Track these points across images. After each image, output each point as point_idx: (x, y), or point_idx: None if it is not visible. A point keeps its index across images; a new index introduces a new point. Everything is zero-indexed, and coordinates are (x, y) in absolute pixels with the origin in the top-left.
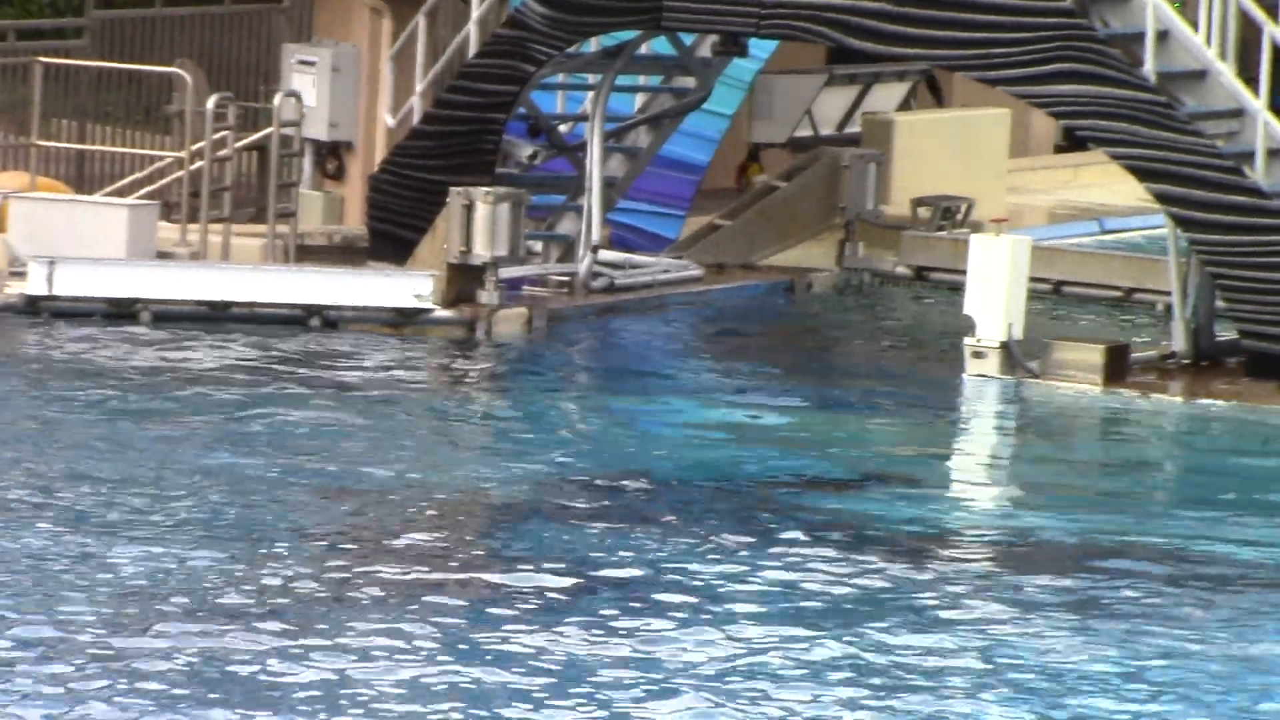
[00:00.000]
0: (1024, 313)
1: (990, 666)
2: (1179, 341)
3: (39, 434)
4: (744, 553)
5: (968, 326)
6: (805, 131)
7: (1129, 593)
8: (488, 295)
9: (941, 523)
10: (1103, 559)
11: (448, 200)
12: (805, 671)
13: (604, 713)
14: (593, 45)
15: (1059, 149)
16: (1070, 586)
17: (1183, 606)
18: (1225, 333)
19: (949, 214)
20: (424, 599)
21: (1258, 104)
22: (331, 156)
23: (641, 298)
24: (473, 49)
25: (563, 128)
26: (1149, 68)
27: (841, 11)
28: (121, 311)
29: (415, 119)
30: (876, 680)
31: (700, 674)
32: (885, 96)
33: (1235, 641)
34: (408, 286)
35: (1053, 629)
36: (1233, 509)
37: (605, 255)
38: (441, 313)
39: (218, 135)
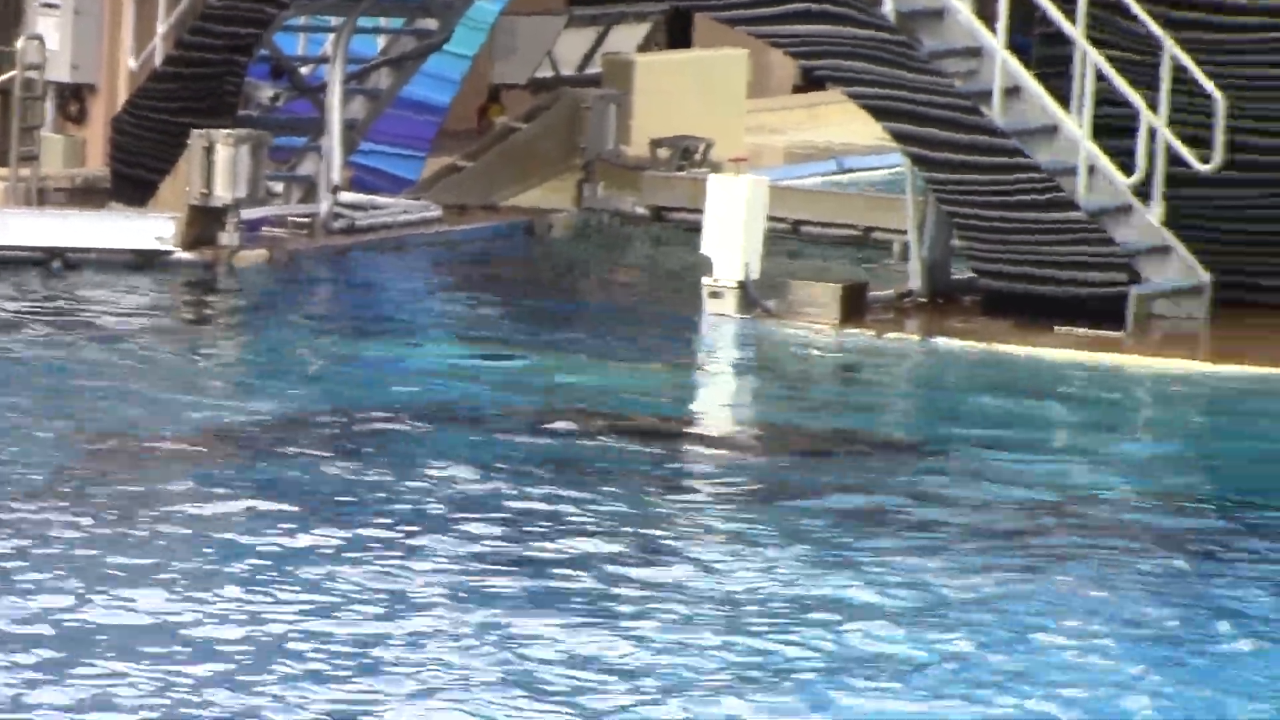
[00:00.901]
0: (761, 252)
1: (690, 597)
2: (916, 280)
3: None
4: (473, 487)
5: (706, 266)
6: (546, 72)
7: (846, 537)
8: (228, 237)
9: (669, 461)
10: (823, 496)
11: (189, 142)
12: (511, 588)
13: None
14: None
15: (797, 89)
16: (790, 523)
17: (892, 543)
18: (961, 271)
19: (688, 154)
20: (138, 533)
21: (995, 42)
22: (74, 99)
23: (381, 239)
24: None
25: (304, 70)
26: (888, 7)
27: None
28: None
29: (157, 61)
30: (611, 607)
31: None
32: (626, 37)
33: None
34: (149, 229)
35: (760, 561)
36: (964, 446)
37: (346, 197)
38: (182, 254)
39: None
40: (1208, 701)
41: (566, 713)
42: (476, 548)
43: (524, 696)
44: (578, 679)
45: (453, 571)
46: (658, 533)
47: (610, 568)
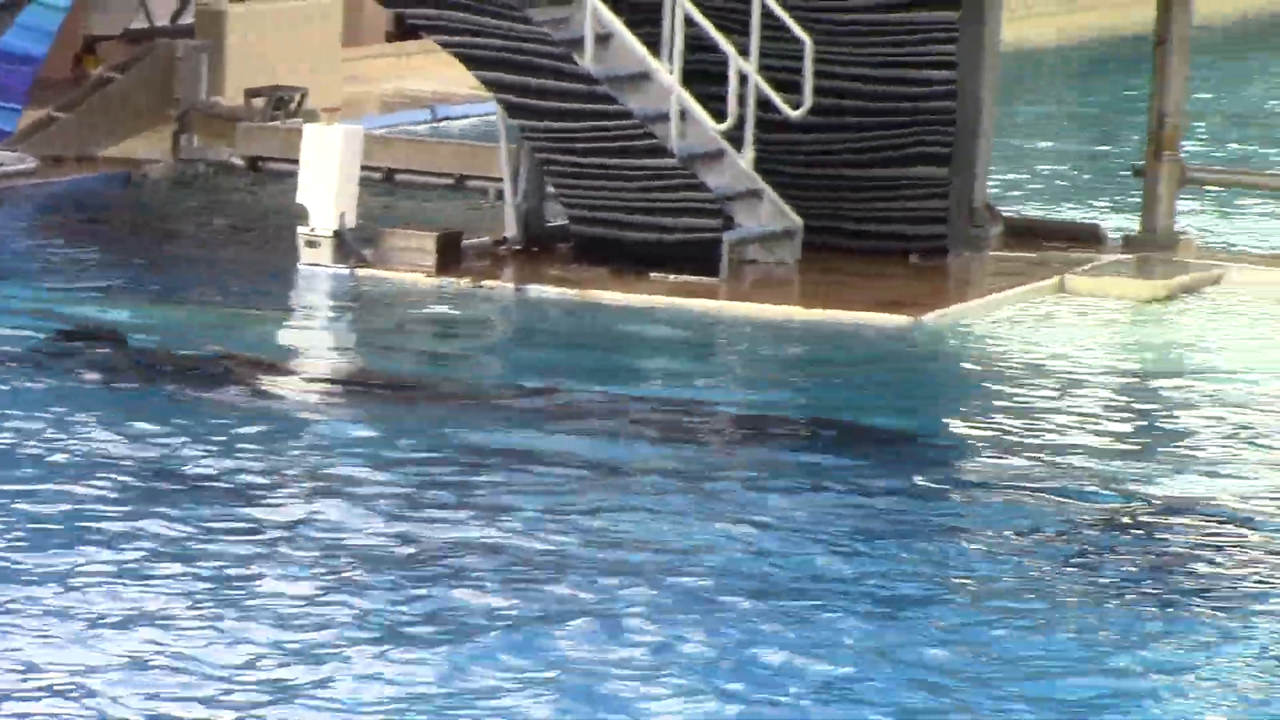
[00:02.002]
0: (356, 201)
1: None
2: (511, 228)
3: None
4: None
5: (301, 216)
6: (141, 23)
7: (444, 475)
8: None
9: (249, 399)
10: (399, 439)
11: None
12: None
13: None
14: None
15: (391, 37)
16: (391, 472)
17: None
18: (557, 218)
19: (282, 104)
20: None
21: None
22: None
23: None
24: None
25: None
26: None
27: None
28: None
29: None
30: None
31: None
32: None
33: None
34: None
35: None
36: (561, 389)
37: None
38: None
39: None
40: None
41: None
42: None
43: None
44: None
45: None
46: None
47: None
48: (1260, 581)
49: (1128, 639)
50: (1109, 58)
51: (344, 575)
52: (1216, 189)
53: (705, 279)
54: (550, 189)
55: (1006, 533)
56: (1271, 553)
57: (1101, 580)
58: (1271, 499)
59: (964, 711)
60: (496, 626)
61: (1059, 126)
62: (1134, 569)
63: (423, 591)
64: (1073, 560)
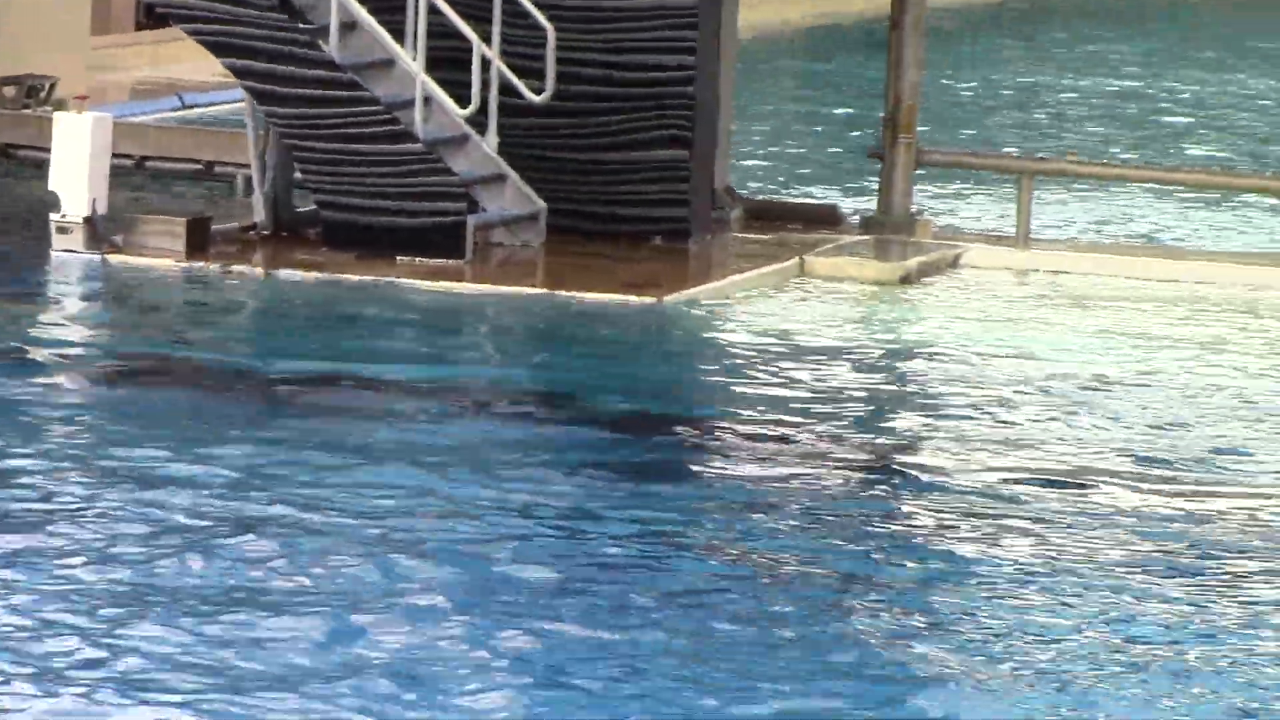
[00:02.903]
0: (108, 188)
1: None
2: (259, 213)
3: None
4: None
5: (53, 203)
6: None
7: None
8: None
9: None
10: (150, 419)
11: None
12: None
13: None
14: None
15: (140, 26)
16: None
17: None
18: (305, 204)
19: (33, 92)
20: None
21: None
22: None
23: None
24: None
25: None
26: None
27: None
28: None
29: None
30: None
31: None
32: None
33: None
34: None
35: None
36: (308, 368)
37: None
38: None
39: None
40: None
41: None
42: None
43: None
44: None
45: None
46: None
47: None
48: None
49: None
50: (849, 42)
51: (110, 552)
52: (953, 170)
53: (451, 262)
54: (298, 175)
55: (735, 505)
56: (996, 515)
57: (834, 556)
58: (1005, 472)
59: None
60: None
61: (799, 110)
62: (880, 540)
63: (152, 570)
64: (806, 529)
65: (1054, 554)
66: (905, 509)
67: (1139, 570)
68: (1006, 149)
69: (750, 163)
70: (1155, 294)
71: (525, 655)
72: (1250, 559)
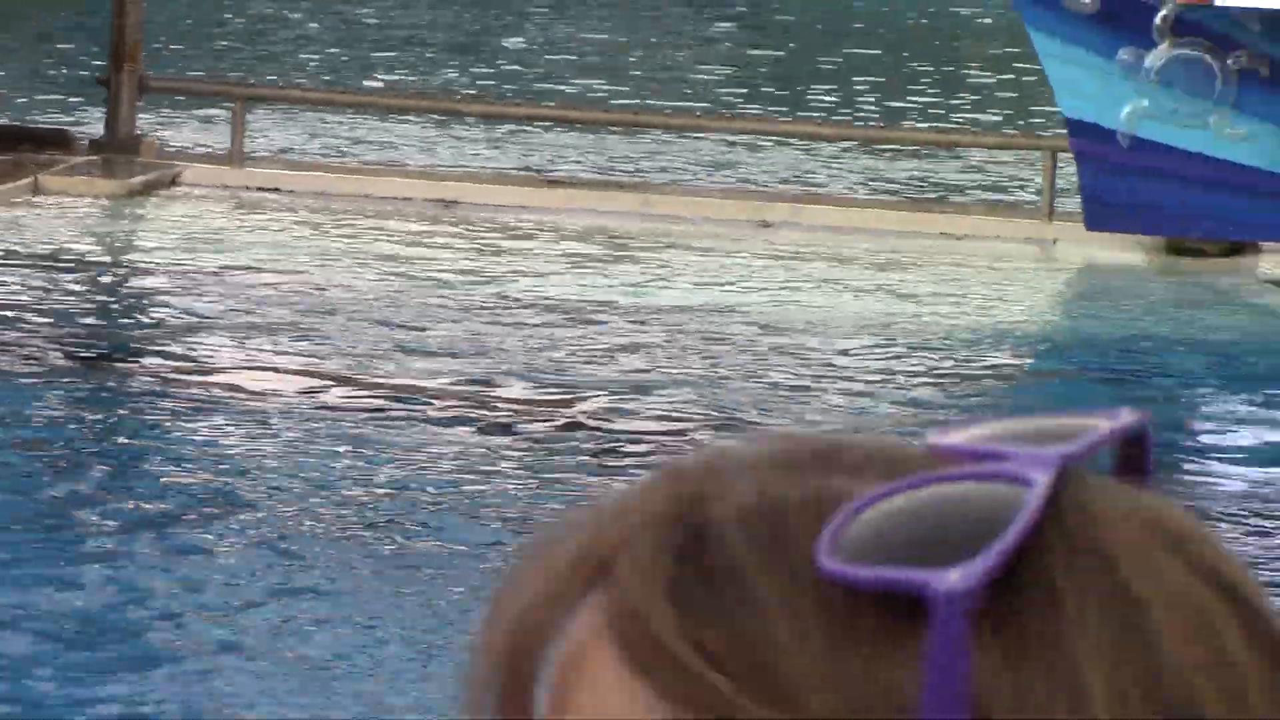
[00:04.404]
0: None
1: None
2: None
3: None
4: None
5: None
6: None
7: None
8: None
9: None
10: None
11: None
12: None
13: None
14: None
15: None
16: None
17: None
18: None
19: None
20: None
21: None
22: None
23: None
24: None
25: None
26: None
27: None
28: None
29: None
30: None
31: None
32: None
33: None
34: None
35: None
36: None
37: None
38: None
39: None
40: None
41: None
42: None
43: None
44: None
45: None
46: None
47: None
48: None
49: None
50: None
51: None
52: (181, 96)
53: None
54: None
55: None
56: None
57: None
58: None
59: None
60: None
61: (33, 33)
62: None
63: None
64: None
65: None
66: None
67: None
68: (234, 76)
69: None
70: (386, 208)
71: None
72: None
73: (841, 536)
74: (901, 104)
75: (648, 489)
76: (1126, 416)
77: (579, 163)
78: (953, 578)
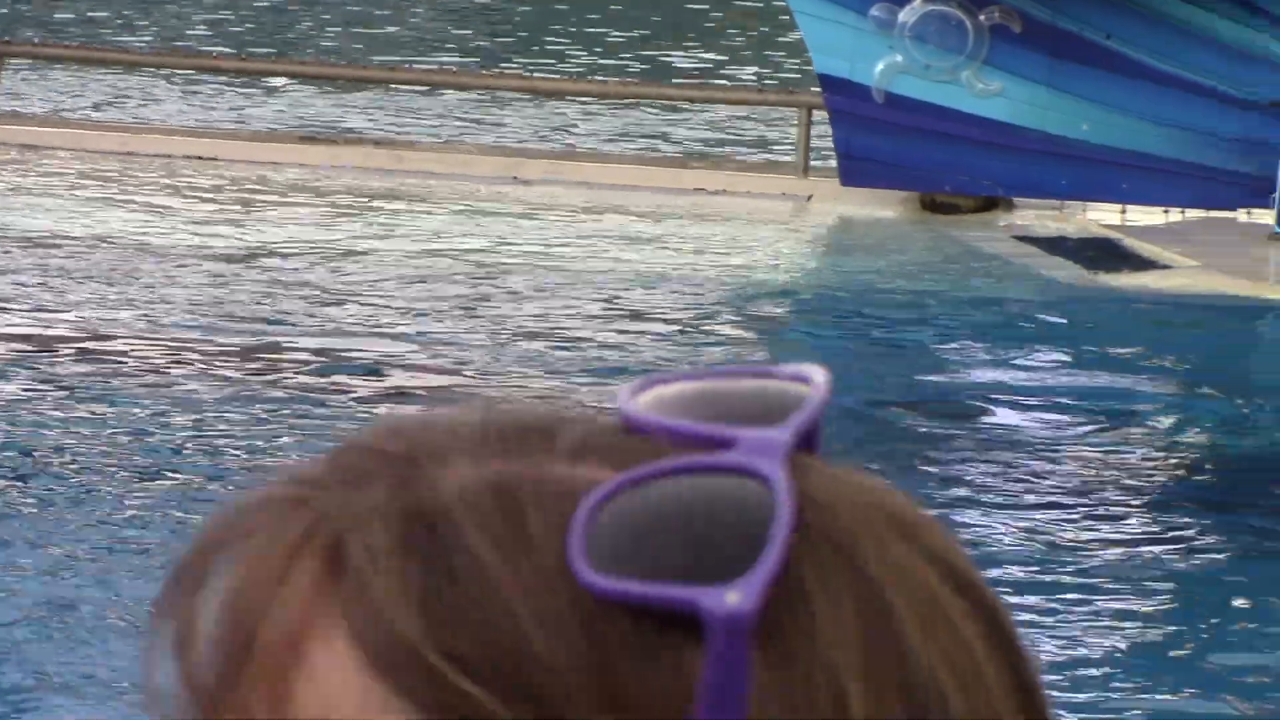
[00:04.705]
0: None
1: None
2: None
3: None
4: None
5: None
6: None
7: None
8: None
9: None
10: None
11: None
12: None
13: None
14: None
15: None
16: None
17: None
18: None
19: None
20: None
21: None
22: None
23: None
24: None
25: None
26: None
27: None
28: None
29: None
30: None
31: None
32: None
33: None
34: None
35: None
36: None
37: None
38: None
39: None
40: None
41: None
42: None
43: None
44: None
45: None
46: None
47: None
48: None
49: None
50: None
51: None
52: None
53: None
54: None
55: None
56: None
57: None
58: None
59: None
60: None
61: None
62: None
63: None
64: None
65: None
66: None
67: None
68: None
69: None
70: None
71: None
72: None
73: (591, 540)
74: (659, 60)
75: (361, 457)
76: (817, 378)
77: (340, 122)
78: (731, 599)
